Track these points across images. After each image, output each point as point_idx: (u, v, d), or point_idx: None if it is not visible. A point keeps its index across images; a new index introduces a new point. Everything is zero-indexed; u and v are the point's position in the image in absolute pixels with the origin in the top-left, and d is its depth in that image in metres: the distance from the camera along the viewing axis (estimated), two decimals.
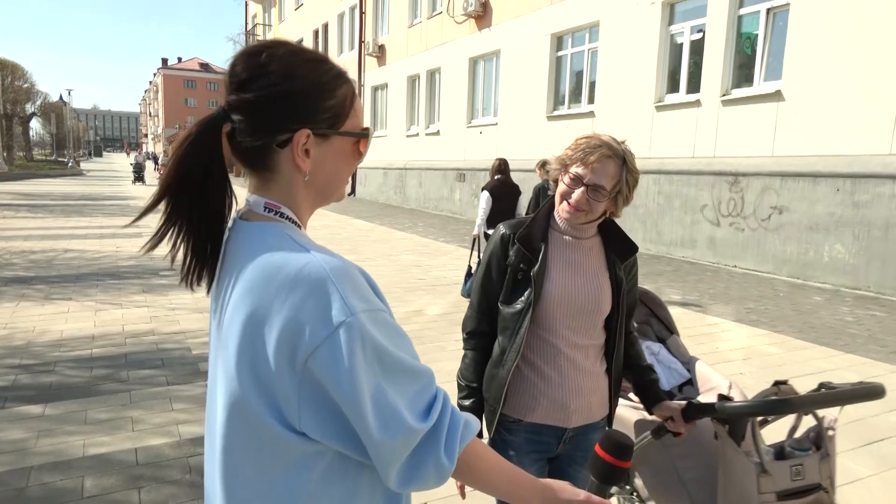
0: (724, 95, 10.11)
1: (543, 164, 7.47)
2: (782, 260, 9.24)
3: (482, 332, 1.78)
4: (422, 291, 7.69)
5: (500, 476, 1.03)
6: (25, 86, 48.23)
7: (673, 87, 11.21)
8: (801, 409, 1.73)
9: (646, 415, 1.96)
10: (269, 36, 37.09)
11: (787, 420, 1.86)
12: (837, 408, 1.74)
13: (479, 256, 6.42)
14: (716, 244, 10.25)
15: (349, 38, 25.68)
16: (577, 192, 1.60)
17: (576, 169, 1.61)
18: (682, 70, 11.00)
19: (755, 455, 1.64)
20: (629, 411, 2.12)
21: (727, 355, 5.38)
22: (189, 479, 3.04)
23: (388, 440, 0.85)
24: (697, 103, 10.50)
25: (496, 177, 7.09)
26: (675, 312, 6.69)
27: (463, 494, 1.65)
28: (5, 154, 37.91)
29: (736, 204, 9.89)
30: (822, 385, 1.70)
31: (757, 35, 9.79)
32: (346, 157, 1.00)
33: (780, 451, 1.72)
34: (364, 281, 0.91)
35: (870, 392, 1.67)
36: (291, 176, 0.95)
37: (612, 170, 1.59)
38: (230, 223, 0.98)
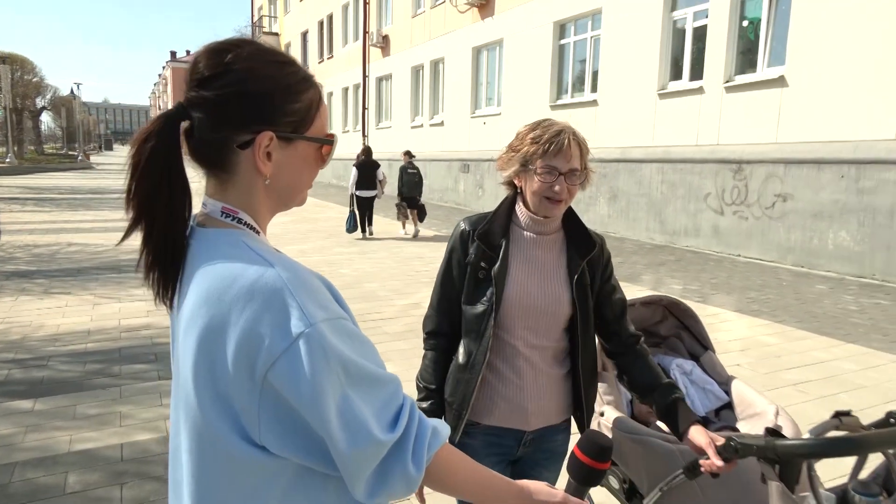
0: (727, 82, 9.97)
1: (407, 153, 12.32)
2: (787, 248, 9.13)
3: (442, 332, 1.72)
4: (420, 284, 7.67)
5: (473, 481, 1.01)
6: (35, 80, 48.46)
7: (676, 74, 11.06)
8: (874, 450, 1.40)
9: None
10: (275, 28, 37.05)
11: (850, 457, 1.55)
12: None
13: (352, 208, 11.53)
14: (720, 233, 10.15)
15: (353, 28, 25.61)
16: (559, 183, 1.53)
17: (547, 161, 1.53)
18: (685, 57, 10.86)
19: (813, 502, 1.36)
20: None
21: (725, 346, 5.31)
22: None
23: (355, 453, 0.83)
24: (700, 90, 10.36)
25: (361, 157, 11.50)
26: None
27: (422, 501, 1.57)
28: (16, 148, 38.19)
29: (740, 192, 9.77)
30: (890, 415, 1.40)
31: (760, 20, 9.63)
32: (309, 163, 0.96)
33: (842, 496, 1.41)
34: (324, 288, 0.88)
35: None
36: (251, 179, 0.91)
37: (577, 150, 1.54)
38: (188, 230, 0.92)
